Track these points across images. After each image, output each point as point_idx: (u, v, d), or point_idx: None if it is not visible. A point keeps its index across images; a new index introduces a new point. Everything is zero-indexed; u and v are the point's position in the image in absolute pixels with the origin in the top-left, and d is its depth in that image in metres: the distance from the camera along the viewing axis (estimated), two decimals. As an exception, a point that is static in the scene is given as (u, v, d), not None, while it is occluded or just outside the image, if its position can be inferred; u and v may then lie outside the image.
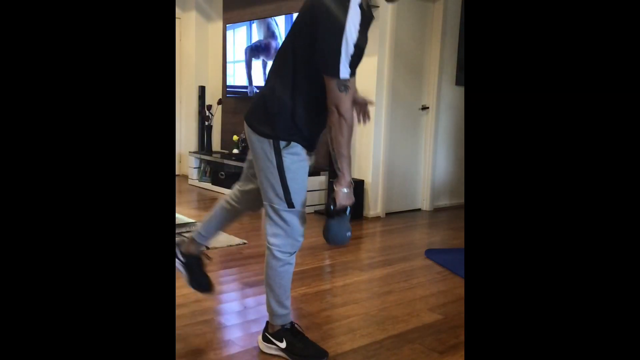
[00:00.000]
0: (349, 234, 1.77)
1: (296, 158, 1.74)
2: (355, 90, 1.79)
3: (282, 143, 1.71)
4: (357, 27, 1.58)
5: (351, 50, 1.58)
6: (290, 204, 1.75)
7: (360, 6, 1.60)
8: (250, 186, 1.94)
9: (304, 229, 1.82)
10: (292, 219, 1.77)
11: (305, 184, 1.78)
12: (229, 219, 2.03)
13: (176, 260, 2.06)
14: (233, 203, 1.99)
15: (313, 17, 1.62)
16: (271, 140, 1.71)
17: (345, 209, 1.74)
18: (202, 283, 2.05)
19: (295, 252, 1.82)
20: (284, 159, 1.71)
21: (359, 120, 1.88)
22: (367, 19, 1.64)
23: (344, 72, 1.59)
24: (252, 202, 1.97)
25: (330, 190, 4.32)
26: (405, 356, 1.95)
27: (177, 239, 2.06)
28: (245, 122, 1.79)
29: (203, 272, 2.07)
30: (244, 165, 1.98)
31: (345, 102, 1.62)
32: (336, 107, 1.62)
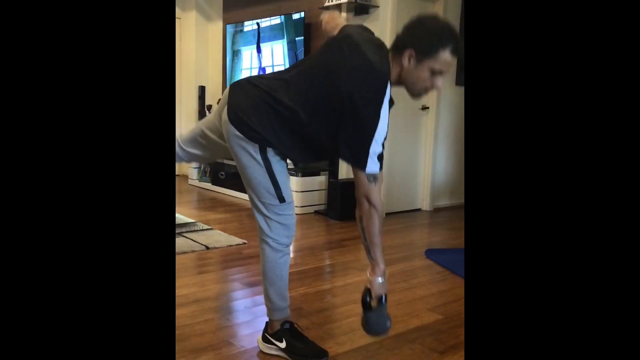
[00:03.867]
0: (388, 323, 1.70)
1: (280, 157, 1.76)
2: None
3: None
4: (387, 124, 1.58)
5: (379, 149, 1.58)
6: (282, 199, 1.77)
7: (390, 100, 1.60)
8: (194, 151, 1.99)
9: (295, 217, 1.85)
10: (285, 209, 1.80)
11: (288, 178, 1.82)
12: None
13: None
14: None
15: (343, 93, 1.58)
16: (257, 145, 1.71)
17: (382, 298, 1.69)
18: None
19: (290, 244, 1.85)
20: (270, 158, 1.72)
21: None
22: (390, 106, 1.63)
23: (373, 167, 1.59)
24: (190, 160, 2.08)
25: (330, 191, 4.32)
26: (405, 356, 1.95)
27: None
28: (230, 122, 1.70)
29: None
30: (194, 130, 1.98)
31: (375, 192, 1.62)
32: (366, 198, 1.62)
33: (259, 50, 5.14)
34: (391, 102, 1.63)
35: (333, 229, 3.94)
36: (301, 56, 4.67)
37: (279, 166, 1.76)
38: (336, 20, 1.95)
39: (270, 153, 1.72)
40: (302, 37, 4.63)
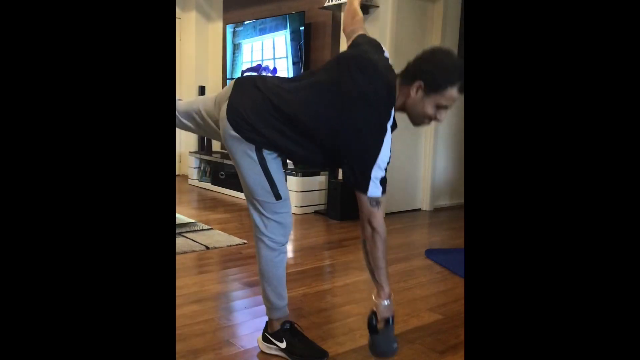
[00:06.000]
0: (395, 345, 1.72)
1: (275, 154, 1.75)
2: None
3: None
4: (390, 149, 1.60)
5: (382, 173, 1.59)
6: (278, 196, 1.77)
7: (394, 123, 1.61)
8: (187, 122, 1.96)
9: (291, 216, 1.85)
10: (282, 207, 1.80)
11: (283, 175, 1.82)
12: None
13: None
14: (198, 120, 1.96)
15: (349, 121, 1.59)
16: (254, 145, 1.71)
17: (388, 320, 1.70)
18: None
19: (286, 242, 1.85)
20: (265, 156, 1.72)
21: None
22: (393, 129, 1.64)
23: (375, 191, 1.59)
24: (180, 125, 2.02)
25: (330, 191, 4.32)
26: (405, 356, 1.95)
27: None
28: (227, 121, 1.69)
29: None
30: (191, 106, 1.96)
31: (378, 217, 1.62)
32: (369, 223, 1.62)
33: (257, 69, 5.14)
34: (394, 126, 1.65)
35: (333, 229, 3.94)
36: (305, 47, 4.65)
37: (275, 164, 1.76)
38: (354, 24, 1.95)
39: (266, 151, 1.72)
40: (303, 28, 4.61)
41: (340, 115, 1.62)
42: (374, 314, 1.70)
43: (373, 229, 1.63)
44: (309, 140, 1.69)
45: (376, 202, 1.61)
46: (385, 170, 1.60)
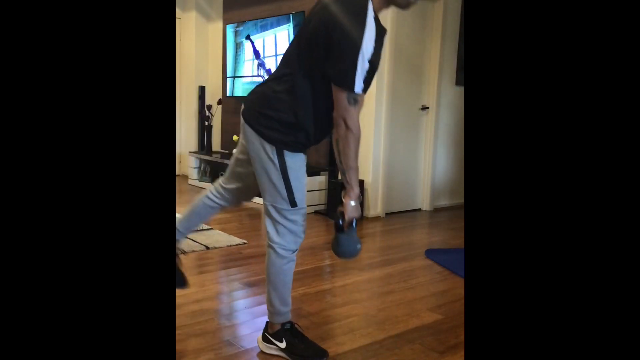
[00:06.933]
0: (359, 246, 1.77)
1: (298, 158, 1.74)
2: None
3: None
4: (373, 42, 1.58)
5: (367, 65, 1.57)
6: (294, 203, 1.75)
7: (375, 19, 1.59)
8: (235, 185, 1.93)
9: (305, 226, 1.83)
10: (296, 216, 1.78)
11: (305, 182, 1.80)
12: (209, 215, 2.01)
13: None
14: (216, 200, 1.97)
15: (328, 28, 1.60)
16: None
17: (353, 221, 1.73)
18: (178, 280, 2.00)
19: (296, 250, 1.83)
20: (286, 159, 1.71)
21: None
22: (380, 33, 1.63)
23: (358, 86, 1.58)
24: (236, 199, 1.97)
25: (330, 191, 4.32)
26: (405, 356, 1.95)
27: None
28: (245, 122, 1.76)
29: (178, 269, 2.01)
30: (230, 162, 1.95)
31: (354, 115, 1.62)
32: (344, 120, 1.62)
33: (257, 55, 5.13)
34: (383, 30, 1.63)
35: (333, 229, 3.94)
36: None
37: (295, 171, 1.74)
38: None
39: (288, 156, 1.71)
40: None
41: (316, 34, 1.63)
42: (341, 213, 1.72)
43: (347, 127, 1.62)
44: (306, 91, 1.68)
45: (355, 99, 1.60)
46: (370, 63, 1.58)
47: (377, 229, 4.01)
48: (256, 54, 5.14)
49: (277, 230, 1.79)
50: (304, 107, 1.68)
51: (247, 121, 1.76)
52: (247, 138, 1.76)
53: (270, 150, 1.71)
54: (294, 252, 1.82)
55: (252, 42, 5.14)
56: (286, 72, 1.72)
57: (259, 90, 1.77)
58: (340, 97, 1.60)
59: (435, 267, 3.08)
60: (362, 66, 1.57)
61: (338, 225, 1.72)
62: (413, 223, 4.31)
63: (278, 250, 1.79)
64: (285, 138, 1.70)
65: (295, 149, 1.72)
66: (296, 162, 1.73)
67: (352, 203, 1.71)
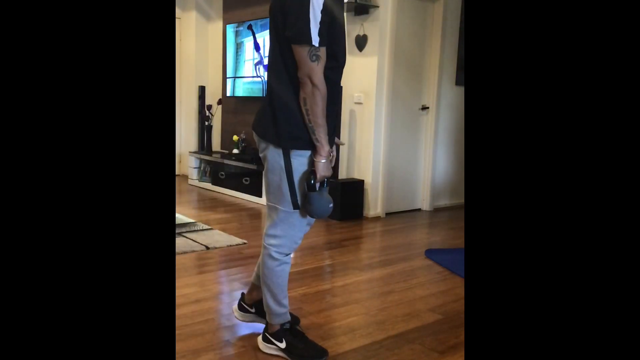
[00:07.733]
0: (331, 205, 1.76)
1: (303, 160, 1.74)
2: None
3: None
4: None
5: (319, 16, 1.57)
6: (296, 205, 1.76)
7: None
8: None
9: (306, 231, 1.83)
10: (297, 220, 1.78)
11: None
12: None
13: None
14: None
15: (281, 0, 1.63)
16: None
17: (324, 180, 1.74)
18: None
19: (291, 253, 1.84)
20: (292, 161, 1.72)
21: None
22: None
23: (315, 39, 1.58)
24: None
25: (330, 191, 4.32)
26: (405, 356, 1.95)
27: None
28: (254, 132, 1.81)
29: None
30: None
31: (318, 72, 1.62)
32: (309, 78, 1.62)
33: (257, 47, 5.14)
34: None
35: (333, 229, 3.94)
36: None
37: (300, 173, 1.74)
38: None
39: (295, 158, 1.72)
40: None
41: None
42: (312, 173, 1.72)
43: (314, 84, 1.62)
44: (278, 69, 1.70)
45: (316, 55, 1.60)
46: (323, 14, 1.58)
47: (377, 229, 4.02)
48: (256, 46, 5.13)
49: (275, 232, 1.80)
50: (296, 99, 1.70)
51: (254, 129, 1.81)
52: (257, 143, 1.81)
53: (275, 151, 1.72)
54: (287, 255, 1.83)
55: (254, 34, 5.13)
56: (275, 67, 1.73)
57: (266, 98, 1.80)
58: (302, 55, 1.60)
59: (435, 267, 3.08)
60: (315, 18, 1.57)
61: (310, 185, 1.72)
62: (413, 223, 4.31)
63: (272, 251, 1.80)
64: (282, 136, 1.71)
65: (293, 144, 1.72)
66: (302, 164, 1.74)
67: (323, 161, 1.71)
